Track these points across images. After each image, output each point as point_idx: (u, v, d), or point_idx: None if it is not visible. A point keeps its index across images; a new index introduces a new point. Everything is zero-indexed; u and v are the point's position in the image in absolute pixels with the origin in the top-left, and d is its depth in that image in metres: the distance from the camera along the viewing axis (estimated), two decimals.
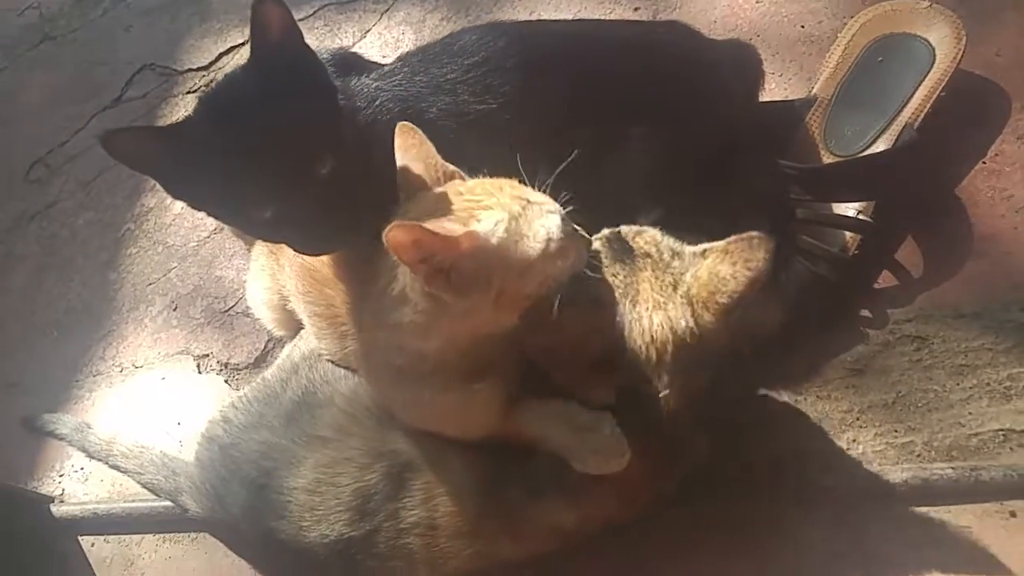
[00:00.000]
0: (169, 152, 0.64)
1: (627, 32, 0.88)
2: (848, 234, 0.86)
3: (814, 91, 0.94)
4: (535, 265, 0.63)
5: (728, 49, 0.94)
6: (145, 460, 1.00)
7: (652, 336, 0.68)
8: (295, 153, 0.64)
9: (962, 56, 0.86)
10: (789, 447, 0.83)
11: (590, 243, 0.71)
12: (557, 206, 0.66)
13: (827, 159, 0.90)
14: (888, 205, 0.86)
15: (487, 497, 0.74)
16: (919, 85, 0.88)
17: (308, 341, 0.92)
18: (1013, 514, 0.74)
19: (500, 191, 0.66)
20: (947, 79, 0.86)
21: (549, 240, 0.63)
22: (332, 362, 0.89)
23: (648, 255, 0.72)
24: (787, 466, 0.82)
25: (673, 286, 0.69)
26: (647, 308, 0.69)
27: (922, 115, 0.87)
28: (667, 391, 0.68)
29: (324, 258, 0.86)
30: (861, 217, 0.86)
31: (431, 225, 0.58)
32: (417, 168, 0.70)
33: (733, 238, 0.67)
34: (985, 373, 0.80)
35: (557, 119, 0.79)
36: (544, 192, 0.67)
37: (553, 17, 1.20)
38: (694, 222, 0.83)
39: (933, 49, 0.89)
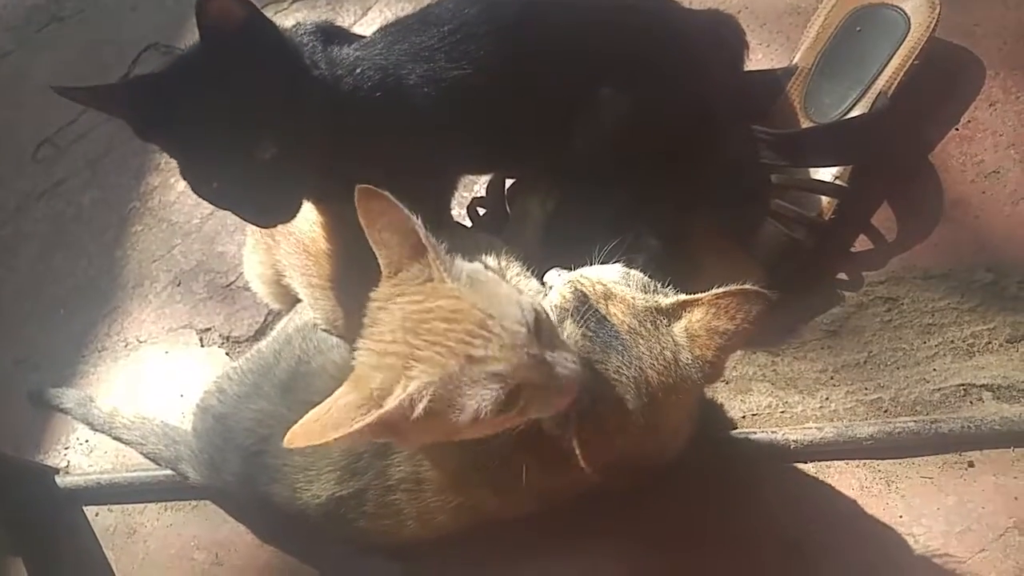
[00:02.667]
0: (137, 103, 0.67)
1: None
2: (824, 199, 0.88)
3: (795, 60, 0.96)
4: (471, 430, 0.57)
5: (706, 16, 0.95)
6: (146, 431, 1.03)
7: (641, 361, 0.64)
8: (236, 139, 0.66)
9: (936, 25, 0.88)
10: (763, 403, 0.86)
11: (572, 388, 0.59)
12: (513, 356, 0.55)
13: (807, 126, 0.92)
14: (864, 170, 0.88)
15: (466, 451, 0.75)
16: (894, 53, 0.89)
17: (303, 314, 0.95)
18: (971, 464, 0.77)
19: (445, 336, 0.56)
20: (920, 47, 0.88)
21: (477, 417, 0.55)
22: (326, 331, 0.92)
23: (634, 331, 0.65)
24: (756, 421, 0.85)
25: (674, 358, 0.65)
26: (662, 393, 0.64)
27: (896, 83, 0.88)
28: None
29: (317, 231, 0.90)
30: (837, 182, 0.88)
31: (340, 431, 0.54)
32: (391, 240, 0.61)
33: (721, 291, 0.64)
34: (950, 331, 0.83)
35: (530, 83, 0.80)
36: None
37: None
38: (669, 190, 0.86)
39: (908, 18, 0.90)
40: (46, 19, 1.69)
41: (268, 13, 0.69)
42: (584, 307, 0.66)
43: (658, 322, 0.66)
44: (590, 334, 0.65)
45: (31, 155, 1.51)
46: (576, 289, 0.67)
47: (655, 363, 0.64)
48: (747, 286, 0.63)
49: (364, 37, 0.82)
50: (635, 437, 0.65)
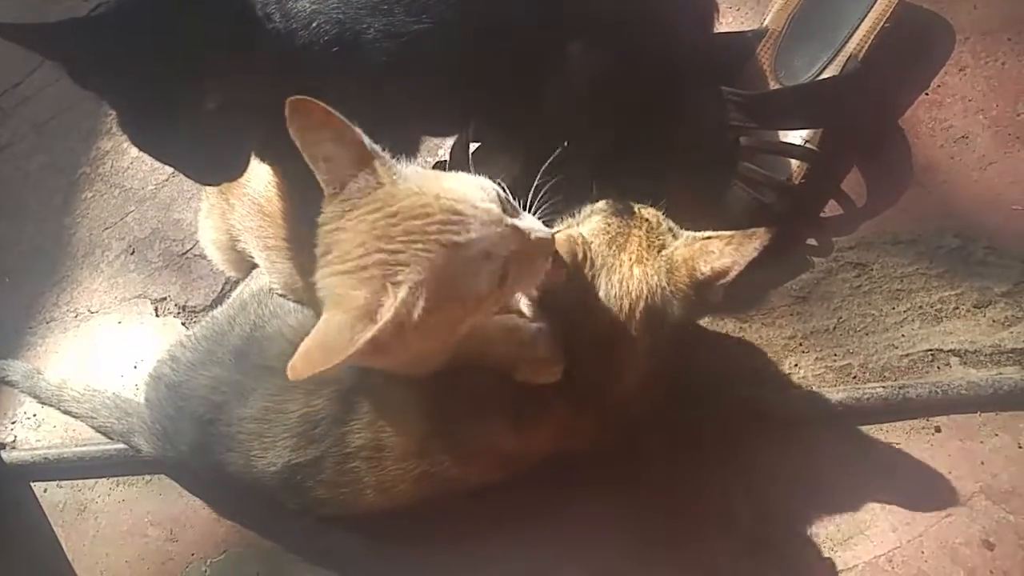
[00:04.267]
0: (76, 42, 0.63)
1: None
2: (794, 163, 0.87)
3: (765, 23, 0.94)
4: (472, 316, 0.59)
5: None
6: (97, 403, 0.99)
7: (628, 288, 0.70)
8: (180, 84, 0.63)
9: None
10: (732, 368, 0.86)
11: (550, 247, 0.63)
12: (508, 226, 0.57)
13: (776, 88, 0.91)
14: (833, 135, 0.87)
15: (431, 417, 0.75)
16: (864, 16, 0.88)
17: (259, 279, 0.92)
18: (938, 429, 0.77)
19: (424, 235, 0.55)
20: (890, 11, 0.87)
21: (479, 300, 0.57)
22: (283, 296, 0.89)
23: (647, 220, 0.73)
24: (730, 388, 0.84)
25: (659, 248, 0.71)
26: (629, 259, 0.71)
27: (866, 46, 0.87)
28: (635, 347, 0.70)
29: (272, 191, 0.86)
30: (807, 146, 0.87)
31: (342, 353, 0.52)
32: (333, 153, 0.59)
33: (741, 232, 0.68)
34: (918, 297, 0.83)
35: (494, 40, 0.78)
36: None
37: None
38: (640, 151, 0.84)
39: None
40: None
41: None
42: (624, 203, 0.75)
43: (668, 231, 0.74)
44: (613, 204, 0.75)
45: None
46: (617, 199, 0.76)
47: (643, 237, 0.72)
48: (759, 229, 0.67)
49: None
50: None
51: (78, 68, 0.65)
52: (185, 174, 0.70)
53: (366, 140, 0.59)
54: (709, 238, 0.71)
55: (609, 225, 0.74)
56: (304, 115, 0.57)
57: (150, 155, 0.68)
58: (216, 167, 0.70)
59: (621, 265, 0.71)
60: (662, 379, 0.75)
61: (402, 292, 0.54)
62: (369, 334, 0.52)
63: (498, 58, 0.79)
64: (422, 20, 0.76)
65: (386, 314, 0.53)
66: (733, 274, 0.68)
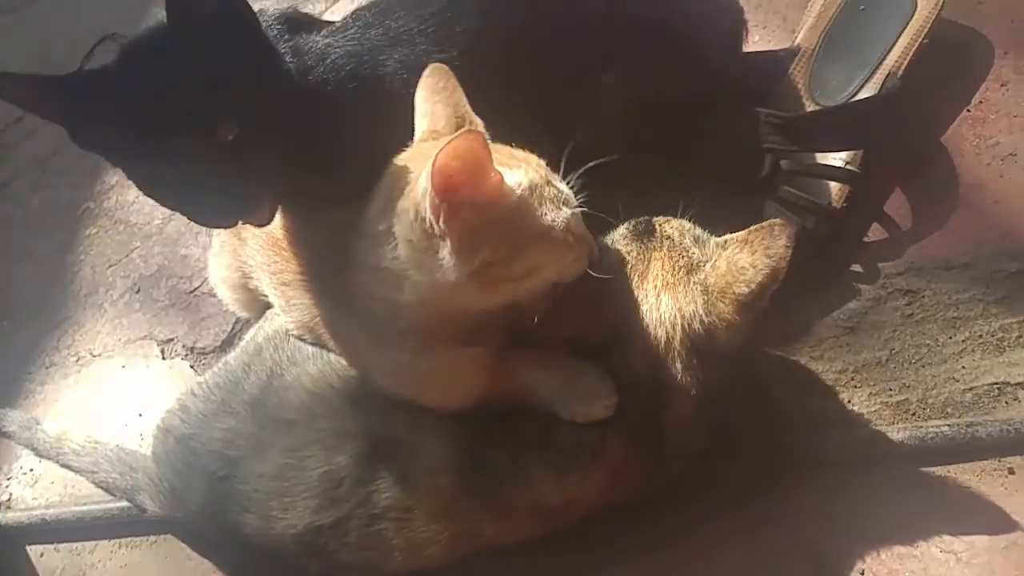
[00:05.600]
0: (77, 100, 0.60)
1: None
2: (835, 186, 0.83)
3: (797, 41, 0.91)
4: (535, 244, 0.60)
5: None
6: (99, 456, 0.94)
7: (660, 316, 0.66)
8: (195, 116, 0.59)
9: (943, 4, 0.84)
10: (784, 409, 0.81)
11: (594, 248, 0.67)
12: (574, 200, 0.63)
13: (812, 109, 0.87)
14: (875, 155, 0.83)
15: (466, 472, 0.70)
16: (901, 33, 0.85)
17: (273, 322, 0.87)
18: (1012, 471, 0.72)
19: (527, 161, 0.63)
20: (929, 26, 0.84)
21: (556, 223, 0.60)
22: (300, 338, 0.84)
23: (669, 237, 0.70)
24: (782, 429, 0.79)
25: (687, 270, 0.68)
26: (655, 287, 0.67)
27: (905, 63, 0.84)
28: (679, 378, 0.67)
29: (288, 223, 0.82)
30: (848, 167, 0.83)
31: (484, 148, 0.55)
32: (443, 112, 0.65)
33: (754, 228, 0.65)
34: (977, 325, 0.78)
35: (521, 67, 0.75)
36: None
37: None
38: (674, 177, 0.81)
39: None
40: None
41: None
42: (646, 221, 0.73)
43: (693, 244, 0.70)
44: (634, 230, 0.72)
45: None
46: (648, 218, 0.74)
47: (667, 260, 0.69)
48: (774, 221, 0.65)
49: (333, 23, 0.75)
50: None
51: (80, 123, 0.62)
52: (199, 219, 0.66)
53: (471, 114, 0.66)
54: (728, 242, 0.68)
55: (628, 254, 0.70)
56: (437, 78, 0.66)
57: (162, 202, 0.65)
58: (231, 205, 0.65)
59: (647, 295, 0.67)
60: (713, 410, 0.70)
61: (518, 172, 0.60)
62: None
63: (524, 86, 0.76)
64: (446, 49, 0.73)
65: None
66: (780, 277, 0.64)
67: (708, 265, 0.67)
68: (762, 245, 0.64)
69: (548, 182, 0.62)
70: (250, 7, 0.64)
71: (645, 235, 0.71)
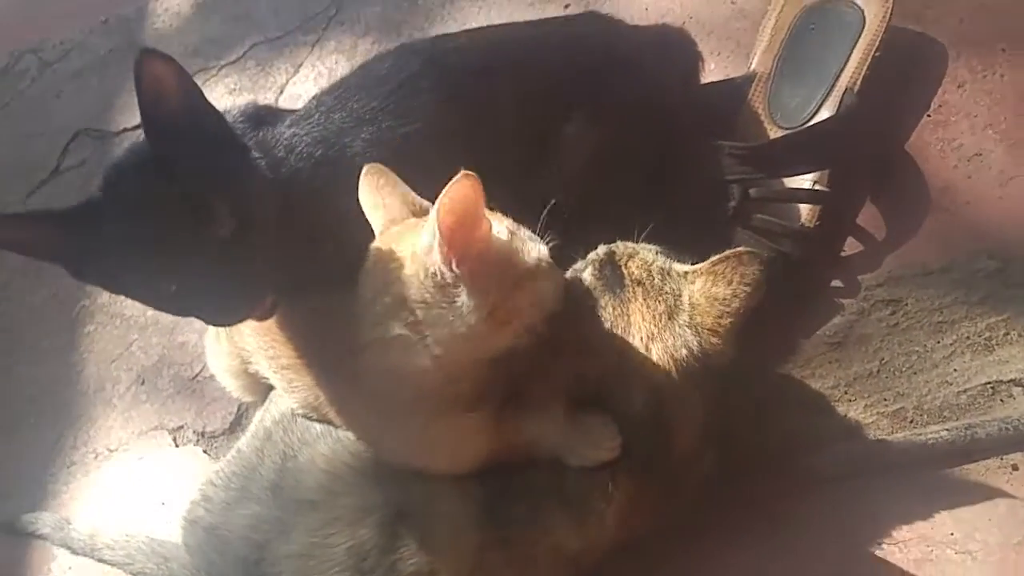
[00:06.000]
0: (72, 236, 0.62)
1: (541, 32, 0.87)
2: (806, 207, 0.85)
3: (752, 66, 0.93)
4: (528, 278, 0.64)
5: (653, 33, 0.93)
6: (132, 549, 0.96)
7: (653, 367, 0.68)
8: (192, 217, 0.61)
9: (891, 14, 0.86)
10: (781, 428, 0.82)
11: (563, 277, 0.72)
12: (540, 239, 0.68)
13: (775, 133, 0.89)
14: (841, 172, 0.85)
15: (485, 528, 0.72)
16: (853, 49, 0.87)
17: (279, 404, 0.89)
18: (1015, 467, 0.73)
19: (492, 214, 0.67)
20: (879, 39, 0.86)
21: (540, 258, 0.65)
22: (306, 417, 0.86)
23: (640, 282, 0.71)
24: (783, 448, 0.81)
25: (668, 315, 0.69)
26: (641, 339, 0.69)
27: (860, 78, 0.86)
28: (680, 412, 0.69)
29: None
30: (817, 187, 0.85)
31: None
32: (394, 202, 0.69)
33: (718, 258, 0.68)
34: (963, 327, 0.79)
35: (484, 129, 0.77)
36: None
37: (484, 24, 1.19)
38: (645, 217, 0.82)
39: (861, 11, 0.88)
40: None
41: (197, 81, 0.65)
42: (607, 258, 0.74)
43: (663, 281, 0.71)
44: (600, 276, 0.72)
45: None
46: (609, 248, 0.75)
47: (645, 309, 0.70)
48: (740, 249, 0.68)
49: (296, 111, 0.78)
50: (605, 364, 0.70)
51: (80, 265, 0.64)
52: (208, 318, 0.68)
53: (418, 198, 0.70)
54: (692, 274, 0.70)
55: (604, 310, 0.71)
56: (376, 176, 0.70)
57: (170, 311, 0.67)
58: (237, 301, 0.67)
59: (636, 352, 0.69)
60: (712, 436, 0.72)
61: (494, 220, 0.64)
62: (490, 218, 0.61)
63: (489, 146, 0.77)
64: (410, 122, 0.75)
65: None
66: (759, 298, 0.67)
67: (685, 300, 0.69)
68: (736, 274, 0.67)
69: (517, 227, 0.67)
70: (215, 108, 0.67)
71: (615, 284, 0.72)
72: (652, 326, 0.69)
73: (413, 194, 0.70)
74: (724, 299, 0.67)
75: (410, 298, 0.63)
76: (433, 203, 0.60)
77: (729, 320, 0.67)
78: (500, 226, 0.65)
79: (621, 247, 0.75)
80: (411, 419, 0.70)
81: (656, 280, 0.71)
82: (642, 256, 0.73)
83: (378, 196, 0.70)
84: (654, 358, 0.68)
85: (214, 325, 0.73)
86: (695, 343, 0.68)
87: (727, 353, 0.69)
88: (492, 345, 0.65)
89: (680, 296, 0.70)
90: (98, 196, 0.63)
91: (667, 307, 0.70)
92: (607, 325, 0.70)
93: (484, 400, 0.70)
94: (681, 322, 0.69)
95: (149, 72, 0.59)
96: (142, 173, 0.63)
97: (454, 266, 0.59)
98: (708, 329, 0.68)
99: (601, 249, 0.75)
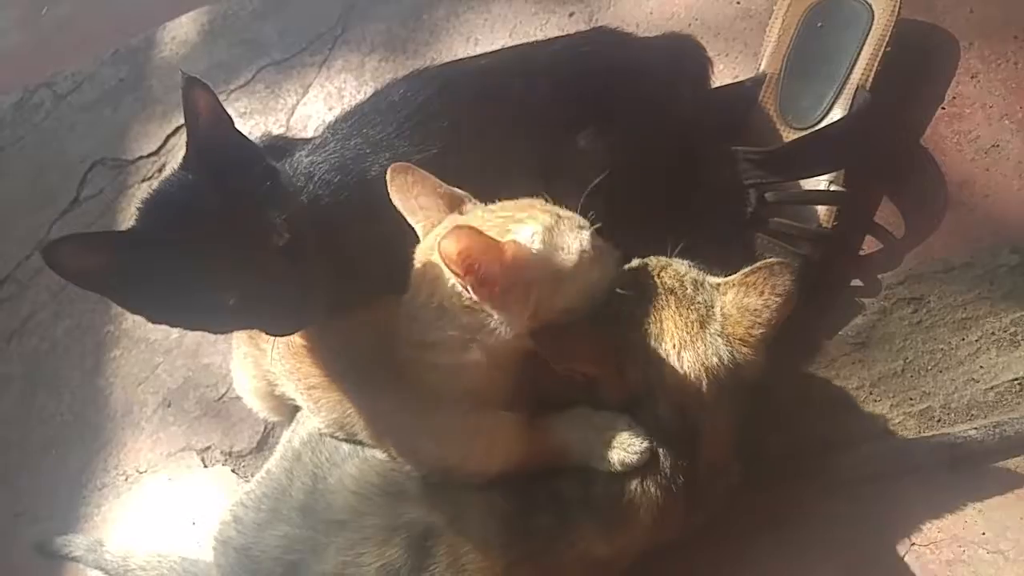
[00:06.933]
0: (118, 265, 0.62)
1: (552, 50, 0.87)
2: (822, 208, 0.84)
3: (761, 68, 0.93)
4: (571, 277, 0.66)
5: (662, 44, 0.92)
6: (164, 570, 0.97)
7: (685, 373, 0.69)
8: (250, 229, 0.63)
9: (900, 8, 0.85)
10: (807, 430, 0.82)
11: (621, 257, 0.73)
12: (585, 221, 0.68)
13: (788, 134, 0.89)
14: (857, 170, 0.84)
15: (514, 540, 0.72)
16: (863, 45, 0.86)
17: (306, 424, 0.90)
18: None
19: (530, 207, 0.68)
20: (889, 34, 0.85)
21: (583, 252, 0.65)
22: (333, 436, 0.87)
23: (672, 291, 0.72)
24: (810, 450, 0.80)
25: (700, 323, 0.70)
26: (673, 346, 0.69)
27: (872, 74, 0.85)
28: (710, 422, 0.69)
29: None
30: (833, 188, 0.84)
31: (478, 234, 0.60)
32: (427, 202, 0.71)
33: (749, 269, 0.69)
34: (988, 323, 0.79)
35: (501, 149, 0.78)
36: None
37: (489, 36, 1.19)
38: (662, 227, 0.82)
39: (869, 6, 0.87)
40: None
41: None
42: (641, 268, 0.74)
43: (696, 291, 0.71)
44: (635, 285, 0.72)
45: None
46: (643, 261, 0.76)
47: (677, 317, 0.70)
48: (771, 260, 0.68)
49: (312, 139, 0.79)
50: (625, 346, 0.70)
51: (130, 292, 0.64)
52: (270, 328, 0.70)
53: (453, 189, 0.71)
54: (724, 286, 0.70)
55: (638, 317, 0.71)
56: (403, 175, 0.70)
57: (229, 327, 0.70)
58: (298, 308, 0.68)
59: (668, 356, 0.69)
60: (737, 445, 0.72)
61: (524, 231, 0.65)
62: (508, 239, 0.63)
63: (507, 165, 0.78)
64: (427, 147, 0.76)
65: (515, 236, 0.64)
66: (791, 309, 0.68)
67: (717, 311, 0.70)
68: (768, 285, 0.67)
69: (558, 216, 0.67)
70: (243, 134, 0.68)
71: (648, 292, 0.73)
72: (684, 334, 0.69)
73: (444, 186, 0.71)
74: (755, 310, 0.68)
75: (455, 307, 0.66)
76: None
77: (760, 330, 0.68)
78: (530, 232, 0.64)
79: (654, 260, 0.75)
80: (456, 409, 0.71)
81: (688, 290, 0.71)
82: (675, 267, 0.74)
83: (410, 198, 0.71)
84: (685, 366, 0.69)
85: (275, 335, 0.73)
86: (726, 353, 0.69)
87: (758, 363, 0.69)
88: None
89: (712, 307, 0.70)
90: (144, 222, 0.64)
91: (699, 316, 0.70)
92: (640, 332, 0.70)
93: (521, 400, 0.72)
94: (712, 331, 0.69)
95: (194, 98, 0.61)
96: (192, 194, 0.64)
97: (475, 296, 0.62)
98: (739, 339, 0.69)
99: (635, 261, 0.76)
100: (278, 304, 0.67)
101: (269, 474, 0.89)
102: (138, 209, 0.65)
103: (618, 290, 0.71)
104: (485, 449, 0.73)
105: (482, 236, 0.60)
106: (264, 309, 0.67)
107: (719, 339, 0.69)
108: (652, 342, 0.70)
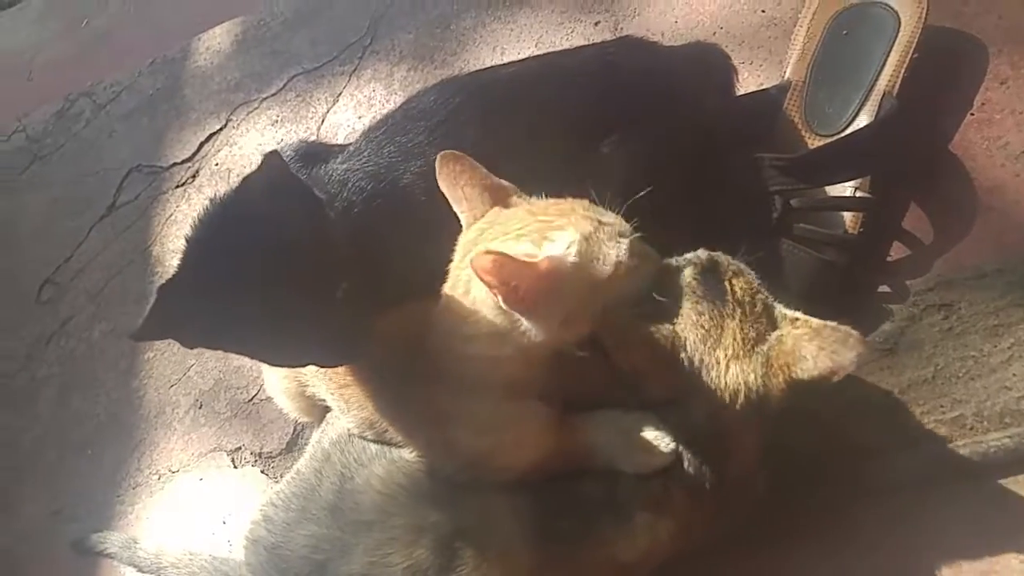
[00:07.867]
0: (184, 309, 0.62)
1: (580, 59, 0.88)
2: (848, 214, 0.84)
3: (787, 75, 0.93)
4: (605, 287, 0.65)
5: (688, 52, 0.93)
6: (196, 567, 0.99)
7: (726, 382, 0.69)
8: (314, 287, 0.64)
9: (926, 15, 0.85)
10: (837, 436, 0.81)
11: (659, 263, 0.73)
12: (627, 226, 0.68)
13: (813, 141, 0.89)
14: (883, 177, 0.84)
15: (540, 544, 0.73)
16: (889, 52, 0.86)
17: (335, 425, 0.91)
18: None
19: (572, 211, 0.67)
20: (916, 40, 0.85)
21: (619, 262, 0.65)
22: (362, 436, 0.88)
23: (741, 304, 0.71)
24: (839, 458, 0.80)
25: (755, 341, 0.69)
26: (725, 355, 0.69)
27: (898, 81, 0.85)
28: (740, 434, 0.70)
29: None
30: (859, 194, 0.84)
31: (511, 251, 0.61)
32: (472, 193, 0.71)
33: (832, 324, 0.67)
34: (1020, 330, 0.78)
35: (531, 156, 0.78)
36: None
37: (516, 45, 1.21)
38: (689, 232, 0.83)
39: (896, 12, 0.87)
40: (27, 160, 1.71)
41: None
42: (712, 266, 0.73)
43: (763, 312, 0.70)
44: (702, 283, 0.72)
45: (35, 298, 1.50)
46: (712, 257, 0.74)
47: (739, 330, 0.69)
48: (853, 331, 0.66)
49: (346, 146, 0.81)
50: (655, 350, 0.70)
51: (190, 331, 0.64)
52: (331, 364, 0.72)
53: (500, 181, 0.71)
54: (799, 322, 0.69)
55: (700, 316, 0.71)
56: (452, 163, 0.70)
57: (286, 365, 0.71)
58: (353, 343, 0.70)
59: (718, 362, 0.70)
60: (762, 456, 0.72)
61: (559, 241, 0.64)
62: (544, 254, 0.63)
63: (536, 173, 0.79)
64: None
65: (549, 249, 0.64)
66: (835, 379, 0.66)
67: (774, 336, 0.69)
68: (832, 346, 0.65)
69: (599, 222, 0.66)
70: (299, 178, 0.68)
71: (716, 295, 0.71)
72: (740, 347, 0.69)
73: (491, 178, 0.71)
74: (804, 356, 0.66)
75: (487, 306, 0.67)
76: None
77: (798, 374, 0.67)
78: (566, 243, 0.64)
79: (724, 260, 0.74)
80: (488, 398, 0.72)
81: (757, 307, 0.71)
82: (747, 279, 0.73)
83: (457, 187, 0.71)
84: (729, 377, 0.69)
85: (327, 367, 0.75)
86: (763, 377, 0.69)
87: (782, 400, 0.69)
88: (570, 339, 0.69)
89: (770, 331, 0.70)
90: (195, 265, 0.63)
91: (757, 335, 0.70)
92: (698, 332, 0.70)
93: (552, 395, 0.73)
94: (760, 352, 0.69)
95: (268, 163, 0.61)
96: (248, 251, 0.62)
97: (507, 307, 0.63)
98: (777, 367, 0.68)
99: (703, 254, 0.75)
100: (339, 345, 0.69)
101: (299, 474, 0.91)
102: (188, 249, 0.64)
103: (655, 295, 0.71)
104: (516, 439, 0.74)
105: (515, 262, 0.60)
106: (325, 351, 0.69)
107: (761, 359, 0.69)
108: (707, 345, 0.70)
